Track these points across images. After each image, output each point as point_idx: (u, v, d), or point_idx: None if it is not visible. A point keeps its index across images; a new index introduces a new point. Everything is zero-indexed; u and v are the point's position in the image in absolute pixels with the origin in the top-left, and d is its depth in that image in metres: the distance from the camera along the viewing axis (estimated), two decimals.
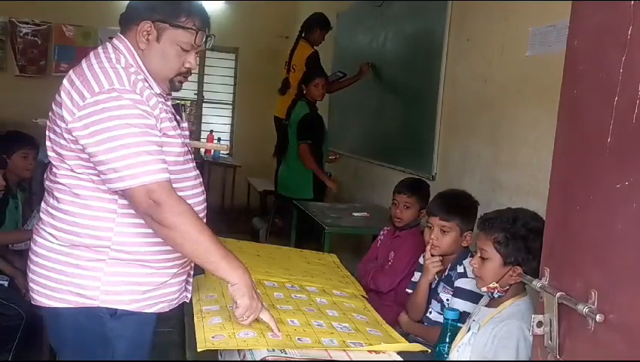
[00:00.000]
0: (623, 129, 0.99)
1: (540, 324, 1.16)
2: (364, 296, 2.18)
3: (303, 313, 1.81)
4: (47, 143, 1.58)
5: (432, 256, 2.24)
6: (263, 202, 6.20)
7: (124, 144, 1.42)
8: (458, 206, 2.27)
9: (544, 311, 1.16)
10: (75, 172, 1.52)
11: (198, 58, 1.64)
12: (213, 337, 1.56)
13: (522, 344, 1.63)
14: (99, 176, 1.48)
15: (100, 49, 1.58)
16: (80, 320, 1.55)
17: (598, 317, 1.00)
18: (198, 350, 1.51)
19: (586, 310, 1.02)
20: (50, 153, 1.56)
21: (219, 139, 6.78)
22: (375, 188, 4.66)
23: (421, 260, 2.44)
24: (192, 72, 1.67)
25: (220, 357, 1.77)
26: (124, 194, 1.47)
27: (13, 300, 2.89)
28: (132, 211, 1.51)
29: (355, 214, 3.79)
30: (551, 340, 1.14)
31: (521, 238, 1.71)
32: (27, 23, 6.80)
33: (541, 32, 2.67)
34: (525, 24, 2.78)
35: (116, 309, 1.56)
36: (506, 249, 1.73)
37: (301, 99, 4.44)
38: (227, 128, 7.65)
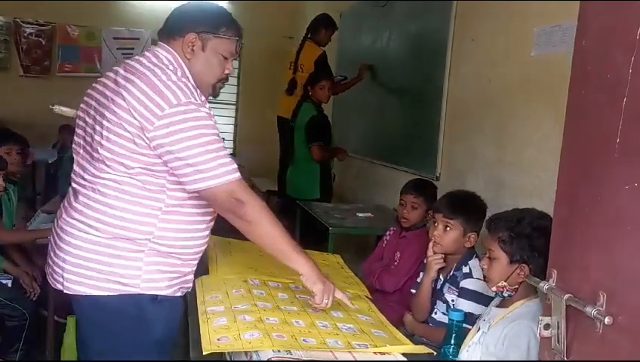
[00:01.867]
0: (631, 130, 0.99)
1: (547, 326, 1.16)
2: (368, 297, 2.17)
3: (308, 314, 1.80)
4: (98, 139, 1.63)
5: (435, 253, 2.24)
6: (267, 202, 6.19)
7: (207, 149, 1.59)
8: (463, 205, 2.27)
9: (551, 313, 1.15)
10: (129, 171, 1.61)
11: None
12: (218, 339, 1.55)
13: (533, 344, 1.63)
14: (149, 176, 1.62)
15: (154, 59, 1.70)
16: (121, 307, 1.66)
17: (606, 320, 1.00)
18: (204, 353, 1.51)
19: (594, 312, 1.02)
20: (103, 152, 1.62)
21: (223, 140, 6.76)
22: (379, 188, 4.65)
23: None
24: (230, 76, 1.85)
25: (227, 357, 1.77)
26: (205, 193, 1.62)
27: (17, 301, 2.90)
28: (175, 209, 1.67)
29: (359, 214, 3.78)
30: (558, 342, 1.14)
31: (525, 236, 1.72)
32: (31, 24, 6.82)
33: (546, 32, 2.66)
34: (530, 24, 2.77)
35: (157, 295, 1.68)
36: (510, 247, 1.74)
37: (307, 101, 4.45)
38: (230, 128, 7.65)
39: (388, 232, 2.96)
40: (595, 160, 1.09)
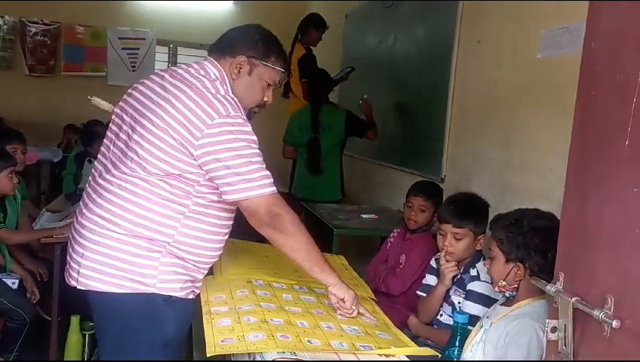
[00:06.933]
0: None
1: (554, 330, 1.15)
2: (372, 299, 2.16)
3: (312, 315, 1.80)
4: (137, 139, 1.66)
5: (448, 261, 2.22)
6: None
7: (253, 161, 1.65)
8: (470, 211, 2.24)
9: (558, 317, 1.14)
10: (163, 174, 1.65)
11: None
12: (222, 341, 1.55)
13: (534, 343, 1.62)
14: (180, 182, 1.66)
15: (202, 72, 1.76)
16: (135, 305, 1.69)
17: (614, 323, 0.99)
18: (208, 355, 1.50)
19: (602, 315, 1.01)
20: (142, 153, 1.66)
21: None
22: (384, 189, 4.64)
23: (433, 263, 2.42)
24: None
25: (230, 357, 1.76)
26: (245, 203, 1.66)
27: (20, 305, 2.90)
28: (197, 216, 1.71)
29: (364, 216, 3.77)
30: (565, 346, 1.13)
31: (521, 235, 1.72)
32: (37, 23, 6.85)
33: (553, 34, 2.65)
34: (537, 26, 2.76)
35: (170, 295, 1.71)
36: (506, 246, 1.75)
37: (325, 104, 4.30)
38: None
39: (392, 233, 2.93)
40: (603, 162, 1.08)
